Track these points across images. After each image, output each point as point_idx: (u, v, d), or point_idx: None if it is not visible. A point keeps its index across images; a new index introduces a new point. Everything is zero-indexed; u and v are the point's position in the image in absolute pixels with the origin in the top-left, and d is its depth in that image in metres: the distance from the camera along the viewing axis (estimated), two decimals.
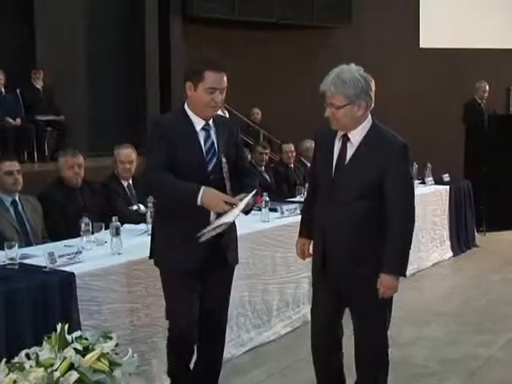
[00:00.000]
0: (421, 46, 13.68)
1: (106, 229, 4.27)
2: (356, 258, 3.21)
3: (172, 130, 3.28)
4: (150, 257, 3.56)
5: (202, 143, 3.33)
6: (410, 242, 3.21)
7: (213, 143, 3.35)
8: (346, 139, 3.24)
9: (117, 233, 4.01)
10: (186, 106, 3.34)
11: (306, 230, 3.51)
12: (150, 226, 4.49)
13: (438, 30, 13.58)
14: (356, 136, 3.21)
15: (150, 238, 3.58)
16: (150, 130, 3.43)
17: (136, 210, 5.48)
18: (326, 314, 3.40)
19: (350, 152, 3.22)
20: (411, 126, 12.82)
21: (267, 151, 8.08)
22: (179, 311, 3.36)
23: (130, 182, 5.80)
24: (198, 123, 3.32)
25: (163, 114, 10.28)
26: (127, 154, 5.73)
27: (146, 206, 5.02)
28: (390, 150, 3.15)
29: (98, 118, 10.05)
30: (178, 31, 10.99)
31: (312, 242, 3.47)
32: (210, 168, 3.31)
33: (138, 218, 5.10)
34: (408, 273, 6.87)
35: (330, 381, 3.54)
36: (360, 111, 3.17)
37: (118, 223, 4.06)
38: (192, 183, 3.16)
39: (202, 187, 3.14)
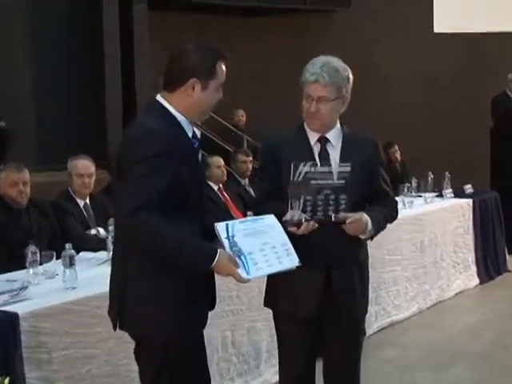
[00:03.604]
0: (435, 30, 13.73)
1: (57, 258, 4.24)
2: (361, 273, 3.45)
3: (172, 142, 2.91)
4: (122, 324, 3.03)
5: (199, 159, 3.14)
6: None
7: (201, 156, 3.20)
8: (324, 141, 3.37)
9: (71, 263, 3.98)
10: (171, 108, 3.00)
11: None
12: (111, 253, 4.48)
13: (455, 11, 13.65)
14: (335, 137, 3.39)
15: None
16: (144, 146, 2.86)
17: (95, 235, 5.48)
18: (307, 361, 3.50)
19: (333, 156, 3.35)
20: (424, 128, 12.93)
21: (251, 159, 8.03)
22: None
23: (88, 200, 5.78)
24: (189, 130, 3.04)
25: (129, 118, 10.37)
26: (85, 166, 5.72)
27: (106, 230, 4.99)
28: (370, 150, 3.43)
29: (47, 124, 9.99)
30: (142, 20, 10.97)
31: None
32: (202, 189, 3.16)
33: (97, 245, 5.07)
34: (425, 305, 6.98)
35: None
36: (343, 108, 3.39)
37: (73, 251, 4.04)
38: (199, 239, 2.92)
39: (219, 250, 2.90)
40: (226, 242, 2.95)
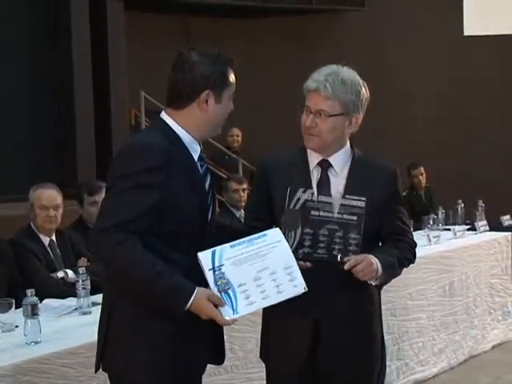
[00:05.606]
0: (465, 33, 13.81)
1: (17, 307, 4.22)
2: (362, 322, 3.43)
3: (169, 160, 2.99)
4: (104, 368, 3.14)
5: (207, 185, 3.18)
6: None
7: (211, 181, 3.22)
8: (326, 166, 3.39)
9: (33, 313, 3.96)
10: (176, 127, 3.10)
11: None
12: (82, 300, 4.51)
13: (488, 12, 13.73)
14: (339, 162, 3.40)
15: (95, 324, 3.21)
16: (128, 160, 3.01)
17: (62, 279, 5.46)
18: None
19: (336, 185, 3.36)
20: (452, 149, 12.91)
21: (244, 187, 8.03)
22: None
23: (54, 237, 5.77)
24: (195, 152, 3.14)
25: (103, 136, 10.32)
26: (50, 197, 5.70)
27: (75, 273, 4.99)
28: (386, 182, 3.42)
29: (3, 144, 9.96)
30: (117, 22, 11.01)
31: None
32: (208, 218, 3.18)
33: (65, 290, 5.09)
34: (456, 359, 6.95)
35: None
36: (350, 128, 3.38)
37: (36, 298, 4.02)
38: (179, 274, 2.90)
39: (197, 288, 2.90)
40: (209, 275, 2.90)
